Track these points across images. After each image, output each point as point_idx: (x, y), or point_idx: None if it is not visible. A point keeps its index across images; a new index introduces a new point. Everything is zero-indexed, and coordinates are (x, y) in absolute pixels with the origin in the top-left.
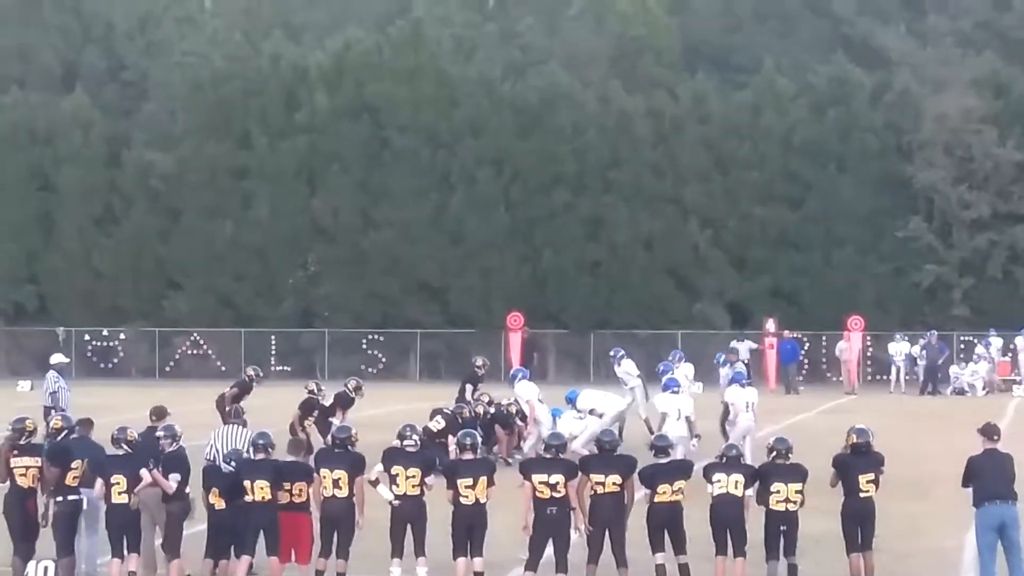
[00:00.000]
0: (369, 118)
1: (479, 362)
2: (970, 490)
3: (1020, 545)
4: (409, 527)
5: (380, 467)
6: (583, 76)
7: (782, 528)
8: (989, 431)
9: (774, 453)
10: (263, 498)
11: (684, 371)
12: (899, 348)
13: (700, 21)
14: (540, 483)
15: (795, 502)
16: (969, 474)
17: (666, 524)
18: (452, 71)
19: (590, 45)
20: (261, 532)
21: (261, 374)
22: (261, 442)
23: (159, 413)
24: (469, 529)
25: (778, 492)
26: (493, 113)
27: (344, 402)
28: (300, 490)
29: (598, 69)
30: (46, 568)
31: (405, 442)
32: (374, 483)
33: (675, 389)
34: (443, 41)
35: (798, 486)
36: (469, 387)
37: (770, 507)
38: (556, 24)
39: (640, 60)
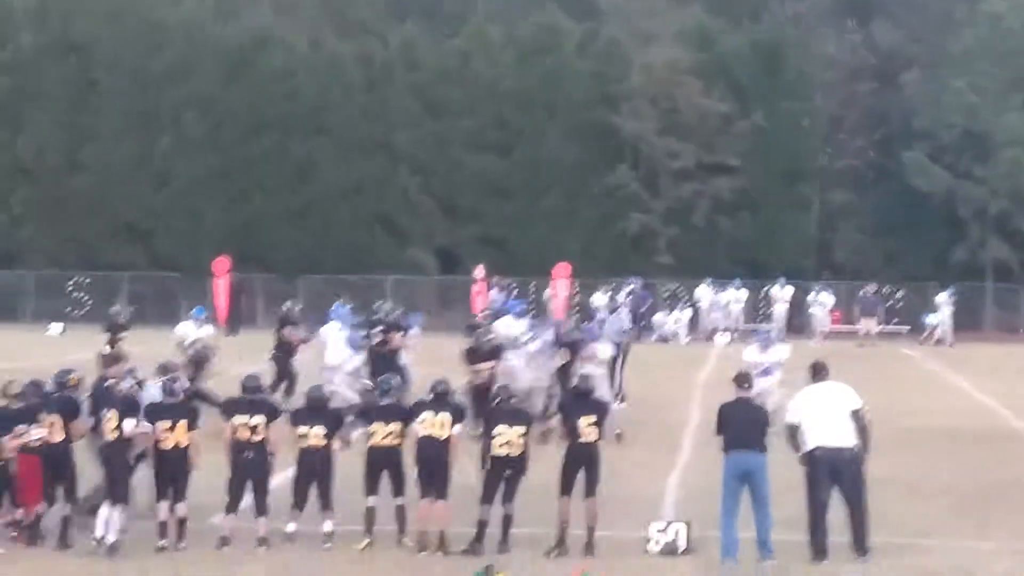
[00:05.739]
0: (75, 58)
1: (295, 307)
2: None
3: (766, 494)
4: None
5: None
6: (294, 20)
7: (506, 474)
8: (740, 380)
9: (498, 399)
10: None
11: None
12: (602, 300)
13: None
14: (240, 424)
15: (519, 446)
16: (720, 421)
17: (384, 466)
18: (160, 12)
19: None
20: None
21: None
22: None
23: None
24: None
25: (500, 435)
26: (201, 55)
27: None
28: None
29: (309, 13)
30: None
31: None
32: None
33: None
34: None
35: (521, 429)
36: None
37: (493, 452)
38: None
39: (350, 5)
